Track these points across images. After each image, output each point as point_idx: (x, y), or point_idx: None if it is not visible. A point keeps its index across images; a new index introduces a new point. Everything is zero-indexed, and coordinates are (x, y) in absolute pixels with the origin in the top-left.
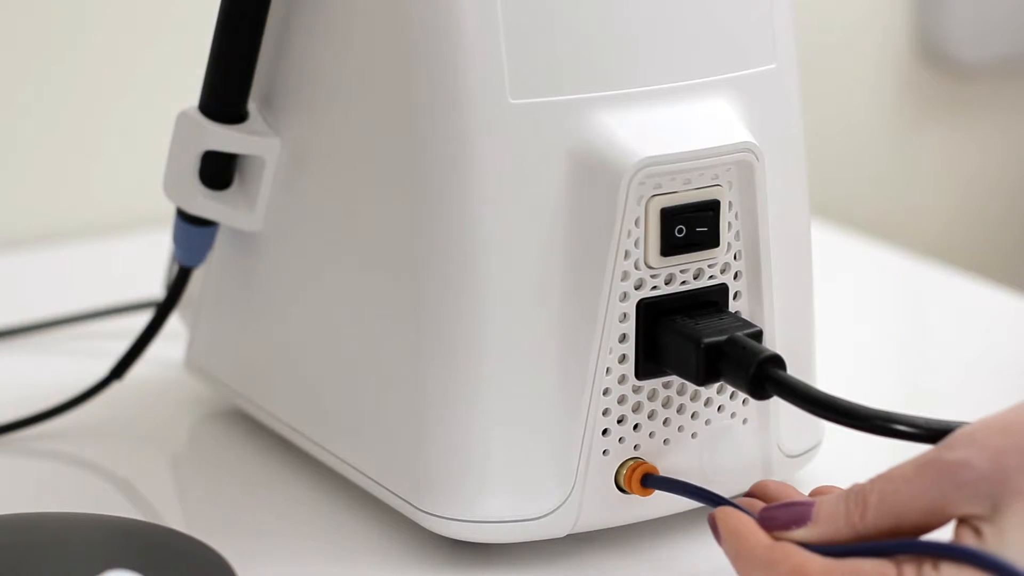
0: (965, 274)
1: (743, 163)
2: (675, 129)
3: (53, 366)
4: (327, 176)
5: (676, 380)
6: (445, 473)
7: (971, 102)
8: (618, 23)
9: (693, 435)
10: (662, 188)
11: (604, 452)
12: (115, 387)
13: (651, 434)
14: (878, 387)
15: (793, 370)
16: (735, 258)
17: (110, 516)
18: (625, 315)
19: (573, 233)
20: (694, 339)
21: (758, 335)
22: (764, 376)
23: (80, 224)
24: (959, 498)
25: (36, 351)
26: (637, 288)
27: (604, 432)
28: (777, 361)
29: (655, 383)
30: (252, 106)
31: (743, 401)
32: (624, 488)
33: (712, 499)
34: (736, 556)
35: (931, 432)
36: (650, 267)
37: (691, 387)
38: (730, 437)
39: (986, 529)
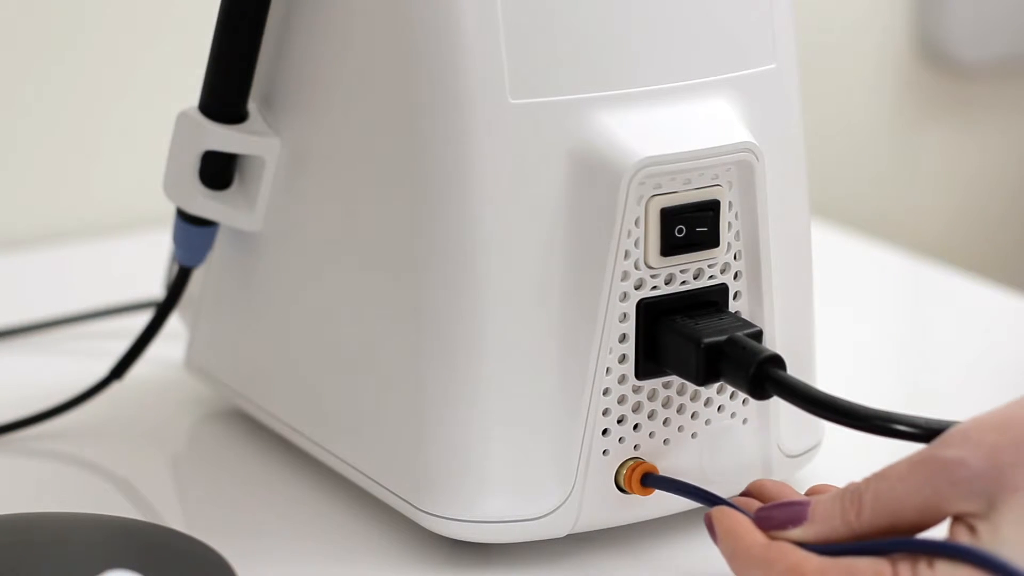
0: (965, 274)
1: (743, 163)
2: (675, 129)
3: (53, 366)
4: (327, 176)
5: (676, 380)
6: (445, 473)
7: (971, 102)
8: (618, 23)
9: (693, 435)
10: (662, 188)
11: (604, 452)
12: (115, 387)
13: (651, 434)
14: (878, 387)
15: (793, 370)
16: (735, 258)
17: (110, 516)
18: (625, 315)
19: (573, 233)
20: (694, 339)
21: (758, 335)
22: (764, 376)
23: (80, 224)
24: (954, 496)
25: (36, 351)
26: (637, 288)
27: (604, 432)
28: (777, 361)
29: (655, 383)
30: (252, 106)
31: (743, 401)
32: (624, 488)
33: (708, 499)
34: (732, 556)
35: (931, 432)
36: (650, 267)
37: (691, 387)
38: (730, 437)
39: (981, 526)
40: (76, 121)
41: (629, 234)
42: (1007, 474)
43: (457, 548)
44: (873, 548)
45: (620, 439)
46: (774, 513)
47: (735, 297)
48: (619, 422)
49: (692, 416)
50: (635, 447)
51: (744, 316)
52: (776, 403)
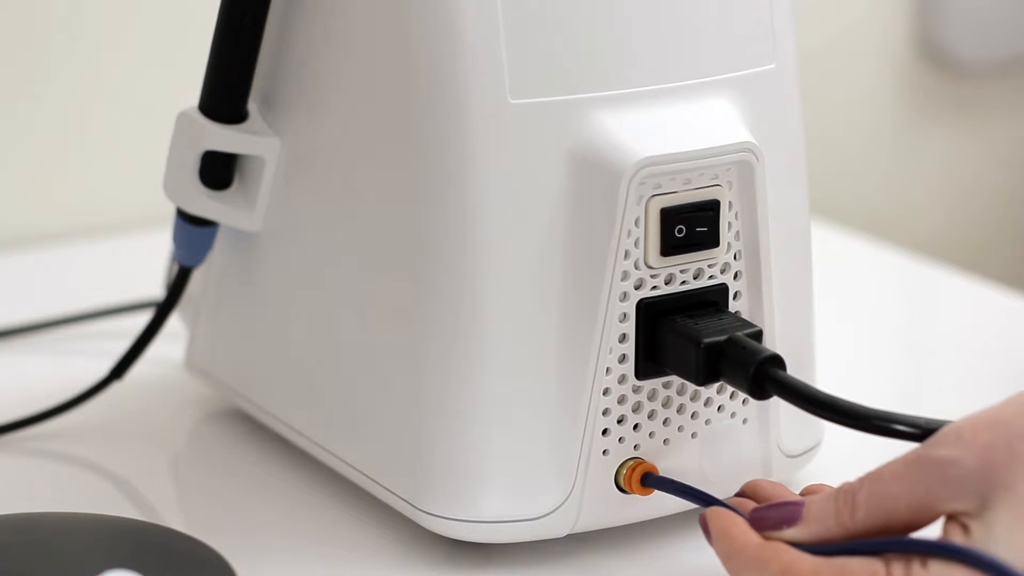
0: (965, 274)
1: (743, 163)
2: (675, 129)
3: (53, 366)
4: (327, 176)
5: (676, 380)
6: (445, 473)
7: (971, 102)
8: (618, 23)
9: (693, 435)
10: (662, 188)
11: (604, 452)
12: (115, 387)
13: (651, 434)
14: (878, 387)
15: (793, 370)
16: (735, 258)
17: (110, 516)
18: (625, 315)
19: (573, 233)
20: (694, 339)
21: (758, 335)
22: (764, 376)
23: (80, 224)
24: (947, 495)
25: (36, 351)
26: (637, 288)
27: (604, 432)
28: (777, 361)
29: (655, 383)
30: (252, 106)
31: (743, 401)
32: (624, 488)
33: (706, 500)
34: (727, 556)
35: (930, 432)
36: (650, 267)
37: (691, 387)
38: (730, 437)
39: (974, 525)
40: (76, 121)
41: (629, 234)
42: (1000, 473)
43: (457, 548)
44: (867, 548)
45: (620, 439)
46: (768, 513)
47: (735, 297)
48: (619, 422)
49: (692, 416)
50: (635, 447)
51: (744, 316)
52: (776, 403)
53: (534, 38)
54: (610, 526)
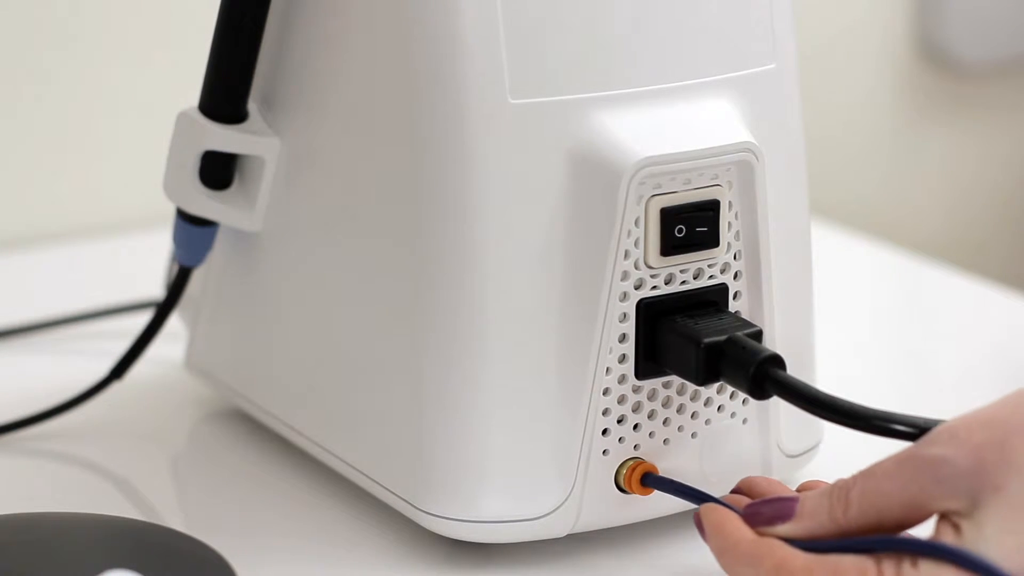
0: (965, 274)
1: (743, 163)
2: (675, 129)
3: (53, 366)
4: (327, 176)
5: (676, 380)
6: (445, 473)
7: (971, 102)
8: (618, 23)
9: (693, 435)
10: (662, 188)
11: (604, 452)
12: (115, 387)
13: (651, 434)
14: (878, 387)
15: (793, 370)
16: (735, 258)
17: (110, 516)
18: (625, 315)
19: (573, 233)
20: (694, 339)
21: (758, 335)
22: (764, 376)
23: (80, 224)
24: (939, 494)
25: (36, 351)
26: (637, 288)
27: (604, 432)
28: (777, 361)
29: (655, 383)
30: (252, 106)
31: (743, 401)
32: (624, 488)
33: (703, 500)
34: (721, 552)
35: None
36: (650, 267)
37: (691, 387)
38: (730, 437)
39: (965, 525)
40: (76, 121)
41: (629, 234)
42: (991, 473)
43: (457, 548)
44: (859, 546)
45: (620, 439)
46: (763, 509)
47: (735, 297)
48: (619, 422)
49: (692, 416)
50: (635, 447)
51: (744, 316)
52: (776, 403)
53: (534, 38)
54: (610, 526)
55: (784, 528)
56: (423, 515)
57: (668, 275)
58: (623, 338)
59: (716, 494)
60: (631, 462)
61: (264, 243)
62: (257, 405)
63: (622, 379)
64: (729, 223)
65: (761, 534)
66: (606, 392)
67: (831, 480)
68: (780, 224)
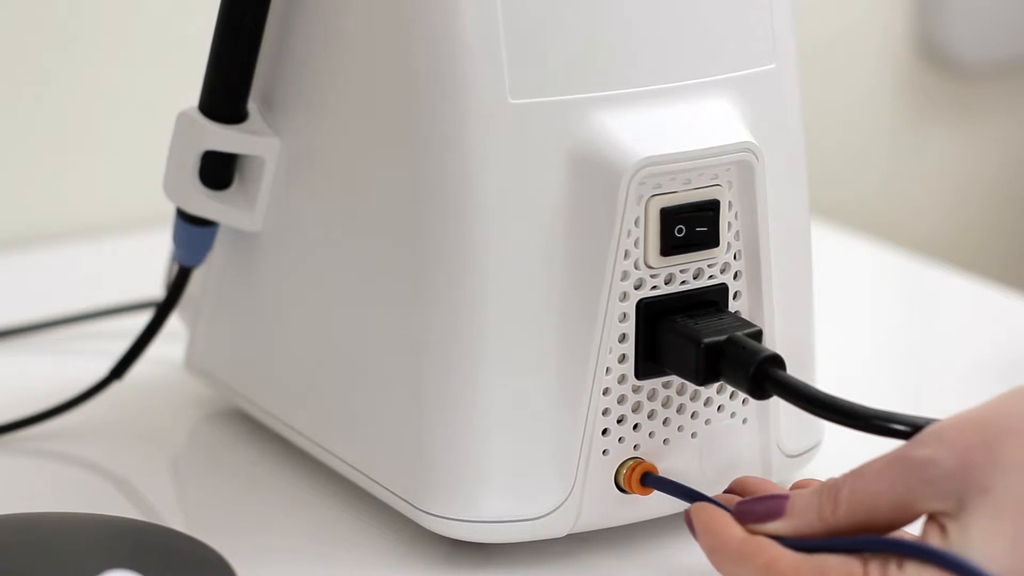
0: (965, 274)
1: (743, 163)
2: (675, 129)
3: (53, 366)
4: (327, 176)
5: (676, 380)
6: (445, 473)
7: (971, 102)
8: (618, 23)
9: (693, 435)
10: (662, 188)
11: (604, 452)
12: (115, 387)
13: (651, 434)
14: (878, 387)
15: (793, 370)
16: (735, 258)
17: (110, 516)
18: (625, 315)
19: (573, 233)
20: (694, 339)
21: (758, 335)
22: (764, 376)
23: (80, 224)
24: (926, 495)
25: (36, 351)
26: (637, 288)
27: (604, 432)
28: (777, 361)
29: (655, 383)
30: (252, 106)
31: (743, 401)
32: (624, 488)
33: (698, 499)
34: (711, 550)
35: None
36: (650, 267)
37: (691, 387)
38: (730, 437)
39: (951, 526)
40: (76, 121)
41: (629, 234)
42: (976, 474)
43: (457, 548)
44: (846, 546)
45: (620, 439)
46: (754, 506)
47: (735, 297)
48: (619, 422)
49: (692, 416)
50: (635, 447)
51: (744, 316)
52: (776, 403)
53: (534, 38)
54: (610, 526)
55: (774, 526)
56: (423, 515)
57: (668, 275)
58: (623, 338)
59: (715, 494)
60: (631, 462)
61: (264, 243)
62: (257, 405)
63: (622, 379)
64: (729, 223)
65: (752, 532)
66: (606, 392)
67: None
68: (780, 224)
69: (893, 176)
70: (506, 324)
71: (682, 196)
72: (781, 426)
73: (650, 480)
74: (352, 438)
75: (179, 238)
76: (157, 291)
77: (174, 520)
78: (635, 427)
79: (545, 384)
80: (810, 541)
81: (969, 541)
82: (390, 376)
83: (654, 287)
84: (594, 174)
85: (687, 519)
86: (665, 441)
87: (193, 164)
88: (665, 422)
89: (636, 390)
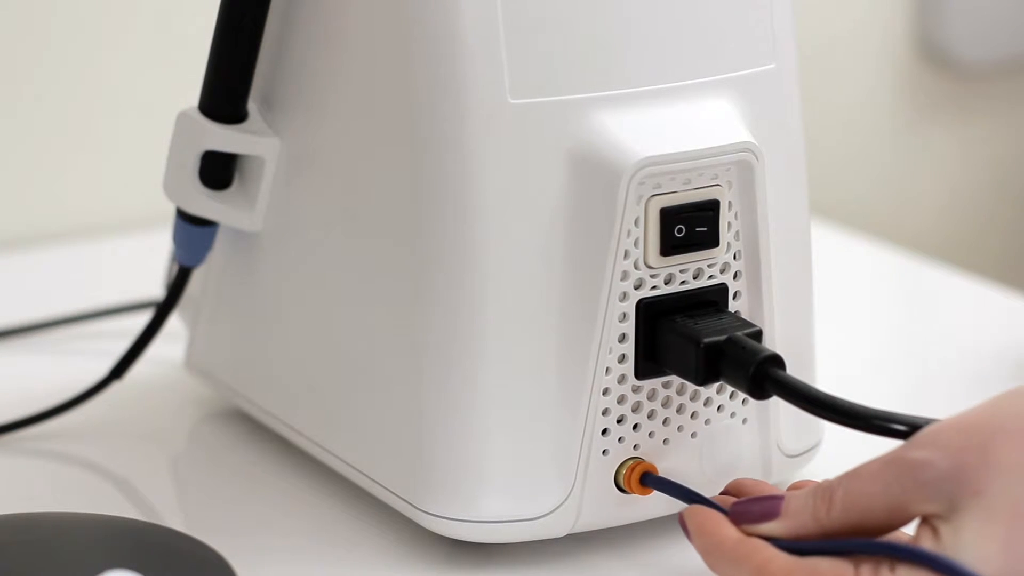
0: (964, 273)
1: (743, 163)
2: (675, 129)
3: (53, 366)
4: (327, 176)
5: (676, 380)
6: (445, 473)
7: (971, 102)
8: (618, 23)
9: (693, 435)
10: (662, 188)
11: (604, 452)
12: (115, 387)
13: (651, 434)
14: (878, 387)
15: (793, 370)
16: (735, 258)
17: (110, 516)
18: (625, 315)
19: (573, 233)
20: (694, 339)
21: (758, 335)
22: (764, 376)
23: (80, 224)
24: (920, 497)
25: (36, 351)
26: (637, 288)
27: (604, 432)
28: (777, 361)
29: (655, 383)
30: (252, 106)
31: (743, 401)
32: (624, 488)
33: (692, 498)
34: (705, 551)
35: None
36: (650, 267)
37: (691, 387)
38: (730, 437)
39: (943, 529)
40: (76, 121)
41: (629, 234)
42: (969, 477)
43: (457, 548)
44: (838, 548)
45: (620, 439)
46: (749, 507)
47: (735, 297)
48: (619, 422)
49: (692, 416)
50: (635, 447)
51: (744, 316)
52: (776, 403)
53: (534, 38)
54: (610, 526)
55: (768, 527)
56: (423, 515)
57: (668, 275)
58: (623, 338)
59: (715, 494)
60: (631, 462)
61: (264, 243)
62: (257, 405)
63: (622, 379)
64: (729, 223)
65: (746, 533)
66: (606, 392)
67: None
68: (780, 224)
69: (893, 176)
70: (506, 324)
71: (682, 196)
72: (781, 426)
73: (650, 480)
74: (352, 438)
75: (179, 238)
76: (157, 291)
77: (174, 520)
78: (635, 427)
79: (545, 384)
80: (803, 543)
81: (961, 543)
82: (390, 376)
83: (654, 287)
84: (594, 174)
85: (681, 521)
86: (665, 441)
87: (193, 164)
88: (665, 422)
89: (636, 390)
